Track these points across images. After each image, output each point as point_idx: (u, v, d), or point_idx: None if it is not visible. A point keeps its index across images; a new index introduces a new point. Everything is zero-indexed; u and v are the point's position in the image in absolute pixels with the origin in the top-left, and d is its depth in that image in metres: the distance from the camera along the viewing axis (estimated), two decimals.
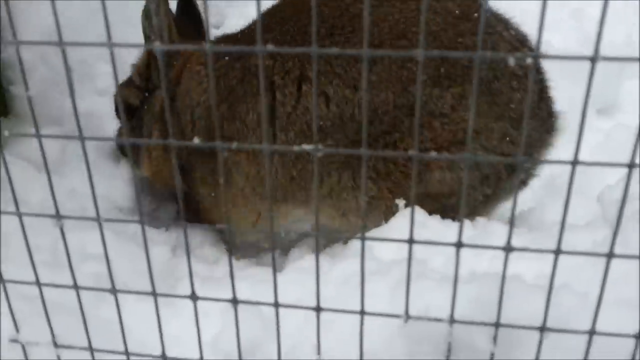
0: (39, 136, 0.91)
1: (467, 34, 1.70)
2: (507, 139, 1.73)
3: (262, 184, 1.83)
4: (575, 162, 0.75)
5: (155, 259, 1.73)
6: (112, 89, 2.29)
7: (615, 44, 2.84)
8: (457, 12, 1.73)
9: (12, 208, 1.69)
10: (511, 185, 1.79)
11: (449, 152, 1.70)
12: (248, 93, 1.79)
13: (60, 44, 0.78)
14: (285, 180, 1.79)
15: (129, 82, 2.09)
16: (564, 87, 2.63)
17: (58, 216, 0.89)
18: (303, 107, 1.74)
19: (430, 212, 1.69)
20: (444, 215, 1.69)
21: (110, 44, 0.74)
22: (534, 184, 2.06)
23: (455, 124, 1.69)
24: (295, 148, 0.68)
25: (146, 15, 1.94)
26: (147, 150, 2.01)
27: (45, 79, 2.06)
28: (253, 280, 1.50)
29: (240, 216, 1.90)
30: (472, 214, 1.78)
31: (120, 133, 2.15)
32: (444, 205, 1.74)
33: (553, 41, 2.72)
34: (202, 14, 2.12)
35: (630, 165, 0.75)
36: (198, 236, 2.07)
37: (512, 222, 0.75)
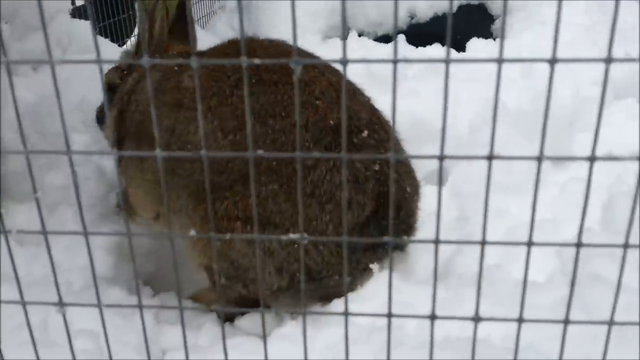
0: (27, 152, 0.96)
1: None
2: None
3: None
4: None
5: (139, 328, 1.77)
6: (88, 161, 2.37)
7: (564, 101, 3.04)
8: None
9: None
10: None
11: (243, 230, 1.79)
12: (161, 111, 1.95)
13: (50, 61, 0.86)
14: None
15: (116, 67, 2.34)
16: (519, 144, 2.81)
17: (61, 304, 0.95)
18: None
19: (227, 277, 1.85)
20: (240, 286, 1.86)
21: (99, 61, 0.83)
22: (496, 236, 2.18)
23: (262, 208, 1.77)
24: (283, 237, 0.76)
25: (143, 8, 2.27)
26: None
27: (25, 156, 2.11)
28: (241, 350, 1.55)
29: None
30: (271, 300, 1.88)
31: (101, 108, 2.43)
32: (243, 277, 1.86)
33: (508, 101, 2.90)
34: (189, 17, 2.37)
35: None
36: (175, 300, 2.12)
37: (478, 291, 0.84)
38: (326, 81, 1.91)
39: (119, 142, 2.11)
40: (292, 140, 1.77)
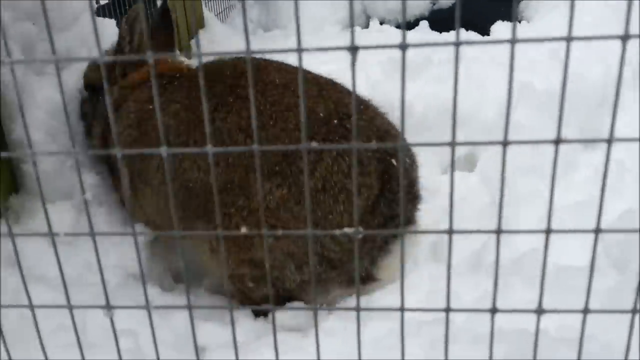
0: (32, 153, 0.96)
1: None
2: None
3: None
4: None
5: (176, 327, 1.78)
6: None
7: (595, 82, 2.97)
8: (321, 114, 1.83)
9: (34, 284, 1.75)
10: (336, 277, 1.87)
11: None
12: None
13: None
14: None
15: (97, 66, 2.32)
16: (547, 126, 2.76)
17: (108, 307, 0.95)
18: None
19: (251, 279, 1.86)
20: (261, 286, 1.87)
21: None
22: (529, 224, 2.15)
23: (275, 218, 1.78)
24: (337, 232, 0.75)
25: (126, 20, 2.22)
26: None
27: (55, 156, 2.13)
28: (284, 347, 1.54)
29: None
30: (299, 292, 1.89)
31: (83, 101, 2.38)
32: (262, 277, 1.87)
33: (536, 83, 2.84)
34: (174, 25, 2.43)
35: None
36: (208, 297, 2.13)
37: (542, 284, 0.82)
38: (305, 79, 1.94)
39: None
40: (288, 143, 1.78)
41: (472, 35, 3.85)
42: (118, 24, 3.50)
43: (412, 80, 3.03)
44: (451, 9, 4.16)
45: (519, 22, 3.96)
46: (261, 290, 1.93)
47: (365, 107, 1.99)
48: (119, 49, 2.27)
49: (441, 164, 2.96)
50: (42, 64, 2.29)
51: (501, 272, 1.86)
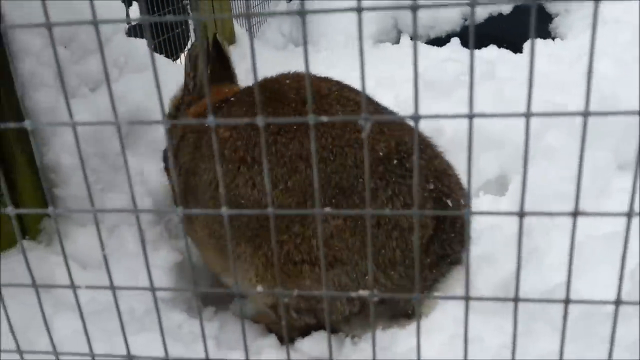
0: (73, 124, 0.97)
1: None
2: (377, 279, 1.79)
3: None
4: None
5: (200, 353, 1.77)
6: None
7: (631, 104, 2.90)
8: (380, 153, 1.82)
9: (64, 309, 1.76)
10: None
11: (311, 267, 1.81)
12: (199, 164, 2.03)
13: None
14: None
15: (174, 97, 2.47)
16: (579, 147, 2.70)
17: (129, 356, 0.95)
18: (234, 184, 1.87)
19: (296, 309, 1.86)
20: (310, 317, 1.87)
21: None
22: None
23: (328, 247, 1.77)
24: (353, 294, 0.74)
25: (189, 58, 2.32)
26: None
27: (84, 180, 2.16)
28: None
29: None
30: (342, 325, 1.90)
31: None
32: (314, 308, 1.87)
33: (570, 104, 2.79)
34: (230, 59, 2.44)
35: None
36: (237, 324, 2.13)
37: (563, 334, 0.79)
38: (355, 105, 1.92)
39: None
40: (345, 178, 1.77)
41: (504, 52, 3.80)
42: (148, 44, 3.55)
43: (441, 101, 3.00)
44: (483, 25, 4.12)
45: (552, 39, 3.91)
46: (303, 320, 1.91)
47: (426, 146, 1.98)
48: (185, 84, 2.37)
49: (473, 184, 2.92)
50: (73, 89, 2.32)
51: (528, 311, 1.82)
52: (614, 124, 2.74)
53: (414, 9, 0.82)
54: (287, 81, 2.02)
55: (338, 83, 2.05)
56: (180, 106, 2.41)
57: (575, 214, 0.90)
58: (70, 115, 1.05)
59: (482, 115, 0.89)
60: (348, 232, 1.76)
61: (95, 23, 0.93)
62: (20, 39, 2.09)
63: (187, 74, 2.35)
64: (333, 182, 1.78)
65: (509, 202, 2.71)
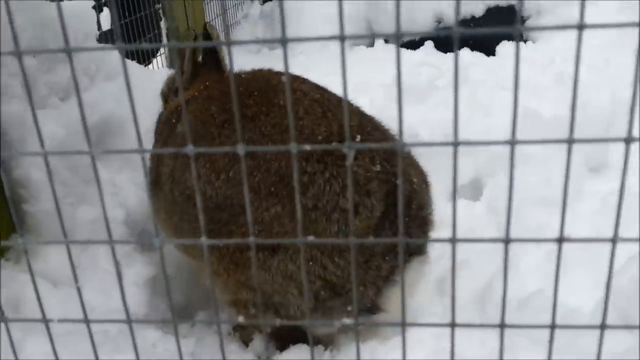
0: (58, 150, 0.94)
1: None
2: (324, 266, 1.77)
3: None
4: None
5: None
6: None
7: (601, 107, 2.93)
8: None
9: (35, 331, 1.72)
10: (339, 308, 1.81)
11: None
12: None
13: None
14: None
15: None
16: (554, 155, 2.72)
17: None
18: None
19: (254, 305, 1.81)
20: (270, 313, 1.82)
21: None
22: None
23: (268, 233, 1.75)
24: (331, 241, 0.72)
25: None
26: None
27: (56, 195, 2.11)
28: None
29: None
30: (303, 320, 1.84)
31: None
32: (265, 303, 1.82)
33: (542, 110, 2.81)
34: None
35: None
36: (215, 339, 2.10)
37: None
38: (309, 99, 1.90)
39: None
40: (285, 165, 1.75)
41: (477, 55, 3.82)
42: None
43: (416, 105, 3.00)
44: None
45: (524, 42, 3.94)
46: (267, 320, 1.88)
47: (374, 128, 1.94)
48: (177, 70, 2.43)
49: (446, 191, 2.92)
50: (43, 99, 2.27)
51: (507, 319, 1.82)
52: (585, 127, 2.76)
53: (398, 37, 0.81)
54: (243, 75, 2.06)
55: (296, 77, 2.03)
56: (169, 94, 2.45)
57: (561, 240, 0.90)
58: (41, 142, 1.02)
59: (468, 143, 0.88)
60: (286, 218, 1.73)
61: (68, 51, 0.90)
62: None
63: (179, 59, 2.37)
64: (273, 169, 1.76)
65: (483, 206, 2.72)
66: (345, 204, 1.72)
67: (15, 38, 0.85)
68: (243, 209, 1.77)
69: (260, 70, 2.12)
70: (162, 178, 2.06)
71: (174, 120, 2.14)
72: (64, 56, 2.54)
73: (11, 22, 0.86)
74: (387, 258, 1.81)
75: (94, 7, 2.80)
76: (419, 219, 1.91)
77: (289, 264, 1.75)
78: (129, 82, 0.79)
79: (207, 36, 2.34)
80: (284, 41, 0.80)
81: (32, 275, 1.05)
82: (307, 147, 0.80)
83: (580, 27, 0.76)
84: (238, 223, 1.78)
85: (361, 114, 2.01)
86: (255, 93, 1.91)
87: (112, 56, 2.88)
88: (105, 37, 3.22)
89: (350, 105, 2.01)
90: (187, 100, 2.13)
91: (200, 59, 2.32)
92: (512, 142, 0.86)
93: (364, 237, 1.72)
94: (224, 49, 2.44)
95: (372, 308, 1.85)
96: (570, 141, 0.87)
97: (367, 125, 1.92)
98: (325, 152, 1.77)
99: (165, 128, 2.22)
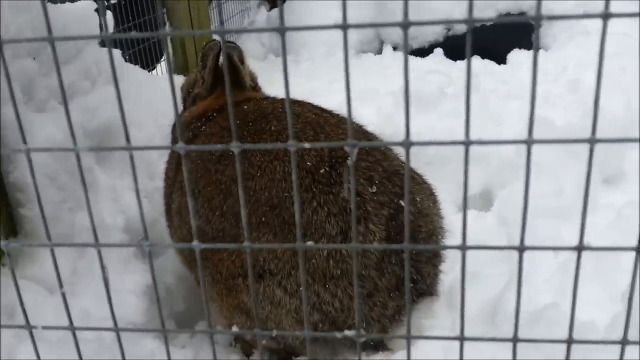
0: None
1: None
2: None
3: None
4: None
5: None
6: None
7: (615, 115, 2.87)
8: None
9: (28, 338, 1.66)
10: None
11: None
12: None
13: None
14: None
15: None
16: (567, 164, 2.65)
17: None
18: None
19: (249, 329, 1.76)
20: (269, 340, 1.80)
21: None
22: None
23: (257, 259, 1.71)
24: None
25: (202, 55, 2.31)
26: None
27: (54, 199, 2.06)
28: None
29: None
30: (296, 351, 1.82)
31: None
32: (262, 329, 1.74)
33: (555, 118, 2.74)
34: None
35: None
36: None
37: None
38: (302, 122, 1.86)
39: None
40: (275, 194, 1.70)
41: (488, 63, 3.76)
42: (123, 54, 3.47)
43: (425, 113, 2.94)
44: (466, 36, 4.06)
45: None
46: (266, 345, 1.83)
47: (373, 148, 1.85)
48: (196, 77, 2.41)
49: (455, 202, 2.85)
50: (42, 102, 2.23)
51: (518, 333, 1.75)
52: (599, 135, 2.69)
53: (405, 26, 0.75)
54: (245, 107, 2.04)
55: (294, 101, 1.98)
56: (190, 92, 2.46)
57: (580, 248, 0.83)
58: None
59: (480, 143, 0.83)
60: (278, 242, 1.68)
61: (51, 40, 0.85)
62: None
63: (198, 69, 2.37)
64: (263, 199, 1.71)
65: (494, 217, 2.65)
66: (331, 230, 1.66)
67: None
68: (234, 239, 1.74)
69: (267, 98, 2.15)
70: (172, 211, 2.09)
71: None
72: (65, 58, 2.50)
73: None
74: (392, 295, 1.72)
75: (96, 10, 2.76)
76: (429, 253, 1.82)
77: (275, 289, 1.69)
78: (115, 74, 0.73)
79: (229, 56, 2.32)
80: (282, 30, 0.74)
81: (14, 279, 0.99)
82: (307, 145, 0.74)
83: (605, 16, 0.72)
84: (228, 251, 1.77)
85: (362, 132, 1.97)
86: (250, 124, 1.89)
87: (115, 59, 2.84)
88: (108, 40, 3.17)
89: (347, 123, 1.95)
90: (209, 117, 2.15)
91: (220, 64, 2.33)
92: (529, 142, 0.80)
93: (362, 267, 1.66)
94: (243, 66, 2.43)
95: (378, 346, 1.77)
96: (591, 141, 0.81)
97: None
98: (313, 181, 1.71)
99: (175, 155, 2.21)
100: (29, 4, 2.27)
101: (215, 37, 2.84)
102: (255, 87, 2.48)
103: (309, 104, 2.02)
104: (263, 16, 5.42)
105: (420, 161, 2.95)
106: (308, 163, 1.72)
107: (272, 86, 3.87)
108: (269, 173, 1.73)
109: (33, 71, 2.26)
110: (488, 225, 2.60)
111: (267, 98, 2.28)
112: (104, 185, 2.37)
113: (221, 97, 2.29)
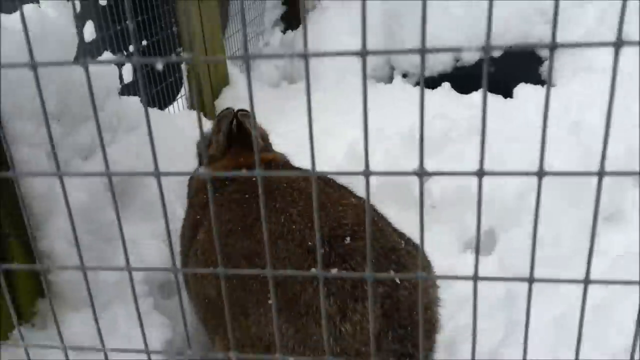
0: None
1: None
2: None
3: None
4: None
5: None
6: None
7: (617, 156, 2.94)
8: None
9: None
10: None
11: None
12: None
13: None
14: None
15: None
16: (567, 212, 2.74)
17: None
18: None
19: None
20: None
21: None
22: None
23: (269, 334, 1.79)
24: None
25: (217, 118, 2.48)
26: None
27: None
28: None
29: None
30: None
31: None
32: None
33: (554, 162, 2.83)
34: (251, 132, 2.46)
35: None
36: None
37: None
38: (304, 197, 1.93)
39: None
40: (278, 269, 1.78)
41: (494, 98, 3.84)
42: (141, 101, 3.58)
43: (429, 157, 3.03)
44: (474, 67, 4.15)
45: (542, 85, 3.94)
46: None
47: (374, 226, 1.90)
48: (210, 139, 2.50)
49: (459, 242, 2.96)
50: (67, 162, 2.37)
51: None
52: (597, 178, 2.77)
53: (422, 53, 0.74)
54: (253, 179, 2.05)
55: (300, 170, 2.12)
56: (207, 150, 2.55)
57: (586, 282, 0.87)
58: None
59: (493, 174, 0.81)
60: (282, 318, 1.75)
61: (34, 65, 0.97)
62: (13, 126, 2.13)
63: (213, 132, 2.50)
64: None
65: (495, 261, 2.75)
66: (332, 310, 1.73)
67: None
68: (242, 310, 1.84)
69: (275, 161, 2.27)
70: (187, 277, 2.20)
71: (198, 217, 2.22)
72: (86, 116, 2.64)
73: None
74: None
75: (117, 65, 2.90)
76: (425, 325, 1.84)
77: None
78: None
79: (238, 123, 2.42)
80: (305, 56, 0.76)
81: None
82: (326, 171, 0.83)
83: (617, 44, 0.71)
84: (237, 320, 1.85)
85: (362, 208, 1.96)
86: (257, 199, 1.95)
87: (133, 106, 2.97)
88: (127, 90, 3.32)
89: (352, 197, 2.05)
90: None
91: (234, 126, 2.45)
92: (540, 174, 0.81)
93: (362, 345, 1.73)
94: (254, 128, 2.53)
95: None
96: (600, 174, 0.80)
97: (363, 222, 1.86)
98: (315, 262, 1.76)
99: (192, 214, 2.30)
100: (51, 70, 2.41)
101: (230, 104, 2.93)
102: (267, 147, 2.58)
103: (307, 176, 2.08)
104: (277, 38, 5.53)
105: (426, 204, 3.06)
106: (309, 243, 1.82)
107: (281, 115, 3.98)
108: (273, 252, 1.82)
109: (57, 134, 2.41)
110: (489, 270, 2.70)
111: (275, 159, 2.38)
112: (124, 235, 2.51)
113: (235, 158, 2.40)
